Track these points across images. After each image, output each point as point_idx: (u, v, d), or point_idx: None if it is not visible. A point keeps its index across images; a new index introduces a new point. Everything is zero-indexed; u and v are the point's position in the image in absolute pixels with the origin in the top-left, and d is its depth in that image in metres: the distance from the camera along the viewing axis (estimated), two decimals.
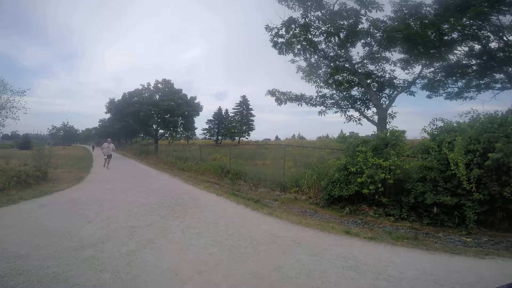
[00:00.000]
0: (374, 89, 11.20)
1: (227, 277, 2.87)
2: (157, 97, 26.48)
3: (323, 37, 10.82)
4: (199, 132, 49.84)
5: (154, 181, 10.21)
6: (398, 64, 10.82)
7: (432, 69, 10.74)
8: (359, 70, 11.08)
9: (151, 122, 26.68)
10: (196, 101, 27.76)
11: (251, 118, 61.09)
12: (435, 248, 3.92)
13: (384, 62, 11.04)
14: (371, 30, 10.15)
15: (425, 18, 9.05)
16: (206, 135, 61.84)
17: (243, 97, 60.87)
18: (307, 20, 10.40)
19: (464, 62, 10.39)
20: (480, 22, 8.88)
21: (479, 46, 9.82)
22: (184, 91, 27.84)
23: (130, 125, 25.28)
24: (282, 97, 11.57)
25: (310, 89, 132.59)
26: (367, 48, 10.93)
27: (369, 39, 10.52)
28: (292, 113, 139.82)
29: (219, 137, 60.90)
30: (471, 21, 8.84)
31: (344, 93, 12.12)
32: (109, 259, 3.22)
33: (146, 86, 27.09)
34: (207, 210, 5.85)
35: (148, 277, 2.83)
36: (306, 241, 4.05)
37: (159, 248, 3.63)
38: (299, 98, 11.65)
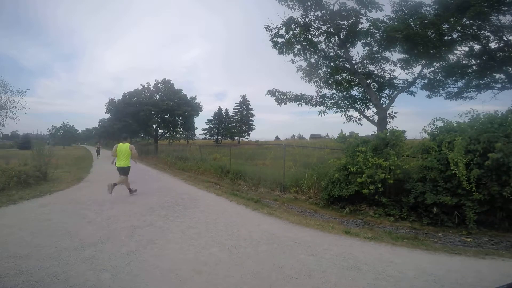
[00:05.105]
0: (374, 89, 11.19)
1: (227, 277, 2.87)
2: (157, 97, 26.50)
3: (323, 37, 10.80)
4: (199, 132, 49.92)
5: (154, 181, 10.21)
6: (398, 64, 10.80)
7: (432, 69, 10.72)
8: (359, 70, 11.07)
9: (151, 122, 26.71)
10: (196, 101, 27.81)
11: (251, 118, 61.17)
12: (435, 248, 3.92)
13: (384, 62, 11.03)
14: (371, 30, 10.13)
15: (425, 18, 9.03)
16: (206, 135, 61.88)
17: (243, 97, 61.02)
18: (307, 20, 10.39)
19: (464, 62, 10.37)
20: (480, 22, 8.86)
21: (479, 46, 9.80)
22: (184, 91, 27.92)
23: (130, 125, 25.25)
24: (282, 97, 11.56)
25: (310, 89, 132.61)
26: (367, 48, 10.91)
27: (369, 39, 10.50)
28: (292, 113, 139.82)
29: (219, 137, 60.91)
30: (471, 21, 8.83)
31: (344, 93, 12.12)
32: (109, 259, 3.22)
33: (146, 86, 27.12)
34: (207, 210, 5.85)
35: (148, 277, 2.83)
36: (306, 241, 4.05)
37: (159, 248, 3.63)
38: (299, 98, 11.63)
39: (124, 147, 7.24)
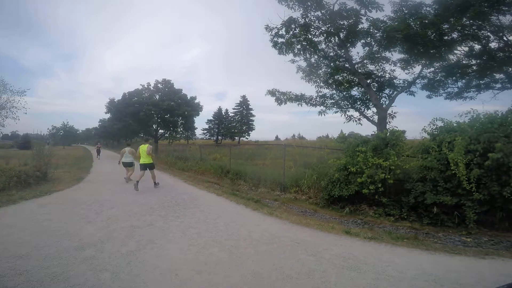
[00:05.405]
0: (374, 89, 11.18)
1: (227, 277, 2.87)
2: (157, 97, 26.45)
3: (323, 37, 10.80)
4: (199, 132, 49.87)
5: None
6: (398, 64, 10.79)
7: (432, 69, 10.71)
8: (359, 70, 11.06)
9: (151, 122, 26.64)
10: (196, 101, 27.74)
11: (251, 118, 61.12)
12: (435, 248, 3.92)
13: (384, 62, 11.01)
14: (371, 30, 10.12)
15: (425, 18, 9.02)
16: (206, 135, 61.89)
17: (243, 97, 60.94)
18: (307, 20, 10.38)
19: (464, 62, 10.36)
20: (480, 22, 8.86)
21: (479, 46, 9.79)
22: (184, 91, 27.79)
23: (130, 125, 25.23)
24: (282, 97, 11.54)
25: (310, 89, 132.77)
26: (367, 48, 10.90)
27: (369, 39, 10.50)
28: (292, 113, 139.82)
29: (219, 137, 60.92)
30: (471, 21, 8.82)
31: (344, 93, 12.11)
32: (109, 259, 3.22)
33: (146, 86, 27.06)
34: (207, 210, 5.85)
35: (148, 277, 2.83)
36: (306, 241, 4.05)
37: (159, 248, 3.63)
38: (299, 98, 11.62)
39: (144, 147, 8.56)
